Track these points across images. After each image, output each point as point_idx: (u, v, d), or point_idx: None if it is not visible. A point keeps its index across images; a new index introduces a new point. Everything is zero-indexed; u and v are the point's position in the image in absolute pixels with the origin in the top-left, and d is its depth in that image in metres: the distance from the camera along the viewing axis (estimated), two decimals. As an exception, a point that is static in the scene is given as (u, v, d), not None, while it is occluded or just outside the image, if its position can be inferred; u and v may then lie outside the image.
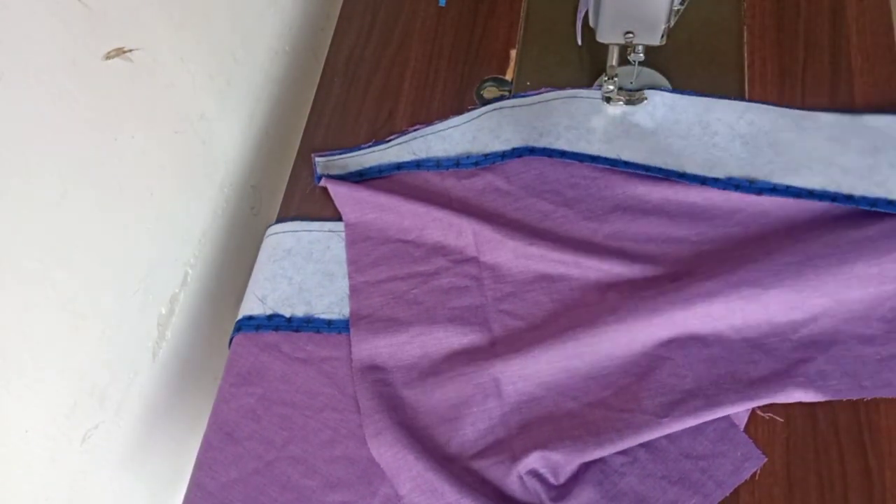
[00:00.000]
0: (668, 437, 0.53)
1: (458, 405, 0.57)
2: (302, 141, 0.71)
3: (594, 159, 0.64)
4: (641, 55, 0.64)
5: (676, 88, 0.68)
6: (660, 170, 0.63)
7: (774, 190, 0.62)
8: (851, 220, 0.60)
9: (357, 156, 0.68)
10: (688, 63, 0.69)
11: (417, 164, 0.67)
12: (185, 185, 0.66)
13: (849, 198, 0.60)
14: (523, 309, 0.60)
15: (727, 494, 0.52)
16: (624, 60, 0.65)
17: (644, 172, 0.63)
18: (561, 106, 0.68)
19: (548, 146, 0.66)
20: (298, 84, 0.84)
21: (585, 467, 0.53)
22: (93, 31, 0.52)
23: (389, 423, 0.55)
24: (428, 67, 0.73)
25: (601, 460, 0.53)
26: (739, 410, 0.53)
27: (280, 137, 0.81)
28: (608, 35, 0.61)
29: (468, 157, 0.66)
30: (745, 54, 0.69)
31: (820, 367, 0.54)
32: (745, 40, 0.70)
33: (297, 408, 0.58)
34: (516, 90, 0.70)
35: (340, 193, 0.66)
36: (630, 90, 0.67)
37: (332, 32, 0.77)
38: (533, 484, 0.53)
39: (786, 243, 0.59)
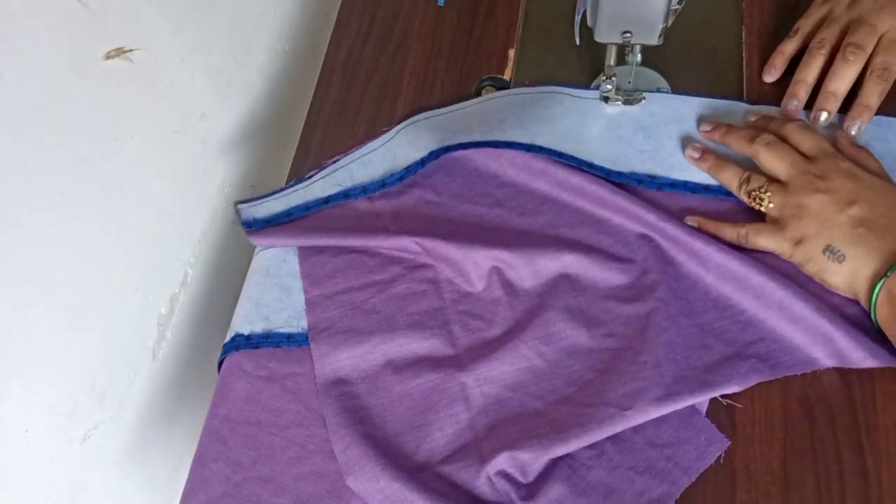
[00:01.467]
0: (632, 427, 0.53)
1: (425, 411, 0.57)
2: (300, 140, 0.71)
3: (509, 145, 0.64)
4: (639, 55, 0.64)
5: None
6: (573, 157, 0.64)
7: (681, 185, 0.62)
8: None
9: (280, 197, 0.67)
10: (686, 63, 0.70)
11: (345, 195, 0.66)
12: (185, 184, 0.66)
13: None
14: (481, 307, 0.60)
15: (693, 480, 0.52)
16: (622, 60, 0.65)
17: (558, 158, 0.63)
18: (474, 107, 0.68)
19: (462, 141, 0.66)
20: (297, 84, 0.84)
21: (553, 464, 0.53)
22: (93, 31, 0.52)
23: (356, 436, 0.55)
24: (426, 67, 0.73)
25: (569, 455, 0.54)
26: (703, 400, 0.54)
27: (279, 137, 0.82)
28: (606, 35, 0.61)
29: (392, 175, 0.66)
30: (744, 54, 0.69)
31: (769, 345, 0.55)
32: (743, 40, 0.70)
33: (263, 426, 0.58)
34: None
35: (274, 244, 0.65)
36: (627, 90, 0.67)
37: (330, 32, 0.77)
38: (502, 485, 0.53)
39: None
